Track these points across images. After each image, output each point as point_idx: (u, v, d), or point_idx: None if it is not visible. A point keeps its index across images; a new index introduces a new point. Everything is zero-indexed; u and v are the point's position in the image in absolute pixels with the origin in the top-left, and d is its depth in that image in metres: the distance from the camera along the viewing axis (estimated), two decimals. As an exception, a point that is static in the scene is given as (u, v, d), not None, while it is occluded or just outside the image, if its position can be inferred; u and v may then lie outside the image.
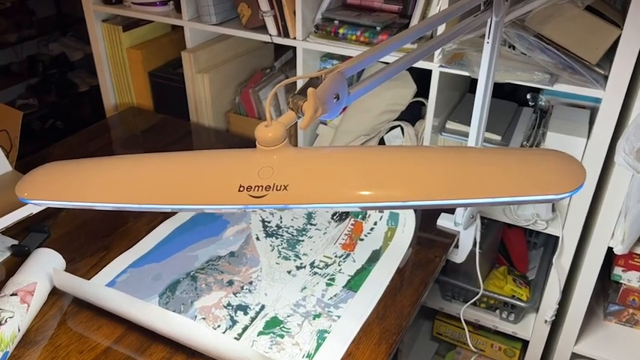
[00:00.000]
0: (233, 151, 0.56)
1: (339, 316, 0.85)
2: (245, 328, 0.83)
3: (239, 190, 0.48)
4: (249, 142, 1.47)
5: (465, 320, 1.42)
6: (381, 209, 0.56)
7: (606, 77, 1.00)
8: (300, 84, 0.53)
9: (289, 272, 0.93)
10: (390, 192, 0.48)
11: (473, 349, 1.14)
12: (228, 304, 0.87)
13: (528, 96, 1.30)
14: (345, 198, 0.48)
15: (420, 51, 0.67)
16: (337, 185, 0.48)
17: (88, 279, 0.90)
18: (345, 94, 0.53)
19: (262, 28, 1.28)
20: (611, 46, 1.00)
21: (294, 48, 1.26)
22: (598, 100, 1.03)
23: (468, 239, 1.07)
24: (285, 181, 0.48)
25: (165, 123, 1.47)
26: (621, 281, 1.25)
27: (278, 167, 0.48)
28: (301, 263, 0.95)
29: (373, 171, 0.49)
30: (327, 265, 0.95)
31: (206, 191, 0.51)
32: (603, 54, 1.02)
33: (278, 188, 0.47)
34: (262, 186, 0.48)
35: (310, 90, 0.48)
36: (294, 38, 1.24)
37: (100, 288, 0.85)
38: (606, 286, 1.33)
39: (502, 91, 1.41)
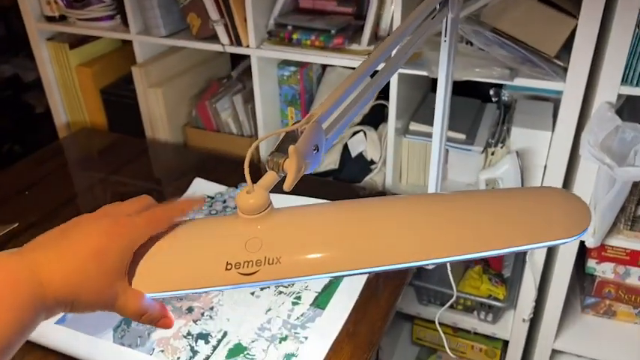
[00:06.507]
0: (213, 222, 0.49)
1: (306, 338, 0.81)
2: (207, 359, 0.77)
3: (226, 269, 0.42)
4: (207, 156, 1.43)
5: (443, 324, 1.39)
6: (381, 272, 0.49)
7: (566, 69, 0.98)
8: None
9: (252, 294, 0.88)
10: (390, 254, 0.42)
11: (450, 354, 1.11)
12: (188, 334, 0.81)
13: (491, 92, 1.28)
14: (343, 265, 0.42)
15: (390, 67, 0.62)
16: (333, 252, 0.43)
17: (36, 317, 0.84)
18: (322, 142, 0.48)
19: (214, 38, 1.23)
20: (569, 37, 0.98)
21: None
22: (560, 93, 1.01)
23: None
24: (276, 252, 0.42)
25: (120, 142, 1.41)
26: (596, 273, 1.23)
27: (266, 238, 0.43)
28: (265, 282, 0.91)
29: (364, 232, 0.44)
30: (292, 283, 0.91)
31: (188, 273, 0.44)
32: (561, 45, 0.99)
33: (270, 262, 0.42)
34: (252, 261, 0.42)
35: (292, 148, 0.43)
36: (248, 46, 1.20)
37: (47, 326, 0.79)
38: (582, 279, 1.32)
39: (465, 88, 1.38)
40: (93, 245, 0.42)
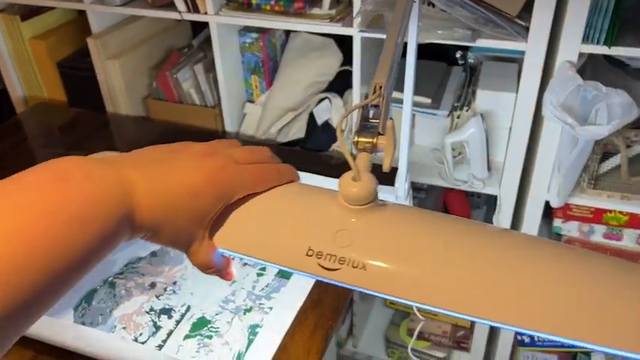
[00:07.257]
0: (312, 194, 0.43)
1: (271, 308, 0.80)
2: (170, 333, 0.77)
3: (307, 254, 0.38)
4: (170, 128, 1.39)
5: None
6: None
7: (528, 29, 0.96)
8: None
9: (216, 266, 0.87)
10: (506, 313, 0.34)
11: (420, 316, 1.12)
12: (151, 309, 0.80)
13: (457, 54, 1.26)
14: (440, 301, 0.35)
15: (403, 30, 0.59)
16: (431, 281, 0.36)
17: (-6, 299, 0.82)
18: (391, 113, 0.45)
19: (171, 5, 1.18)
20: (530, -5, 0.97)
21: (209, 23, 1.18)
22: (524, 53, 1.00)
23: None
24: (364, 257, 0.36)
25: (80, 116, 1.37)
26: (562, 232, 1.25)
27: (358, 235, 0.37)
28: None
29: (484, 273, 0.35)
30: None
31: (269, 244, 0.40)
32: (523, 5, 0.98)
33: (354, 265, 0.36)
34: (336, 256, 0.37)
35: (391, 123, 0.40)
36: (206, 13, 1.16)
37: (5, 309, 0.77)
38: (550, 238, 1.34)
39: (432, 52, 1.36)
40: (191, 184, 0.39)
